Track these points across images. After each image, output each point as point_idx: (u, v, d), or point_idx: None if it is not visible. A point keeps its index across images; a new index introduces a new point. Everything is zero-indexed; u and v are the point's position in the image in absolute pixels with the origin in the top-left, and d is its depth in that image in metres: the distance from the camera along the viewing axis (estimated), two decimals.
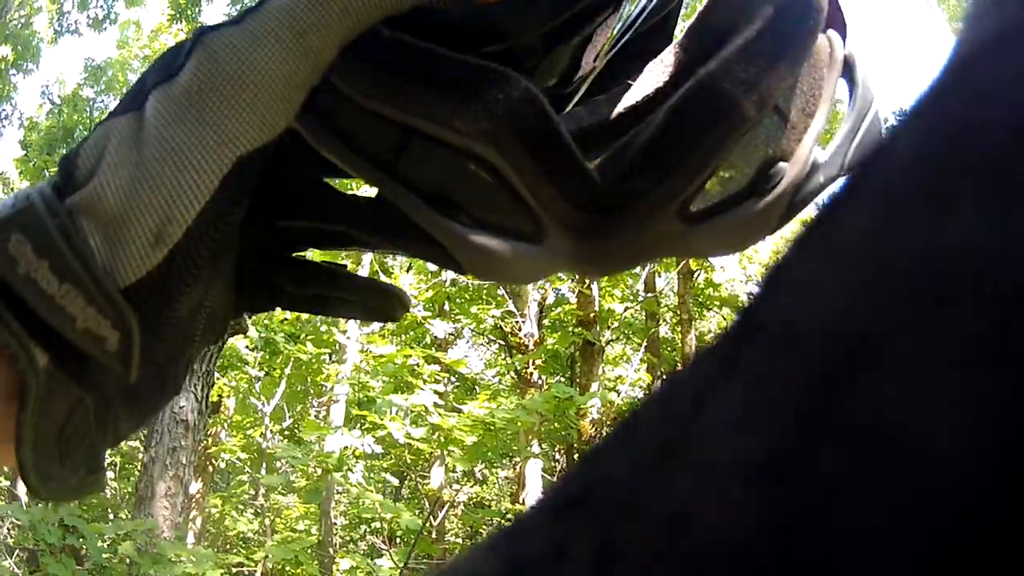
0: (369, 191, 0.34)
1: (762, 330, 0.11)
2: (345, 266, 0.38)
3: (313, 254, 0.37)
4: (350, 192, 0.36)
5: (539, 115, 0.29)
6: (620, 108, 0.34)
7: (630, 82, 0.35)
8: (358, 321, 7.62)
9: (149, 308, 0.29)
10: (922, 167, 0.11)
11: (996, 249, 0.09)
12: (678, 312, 9.59)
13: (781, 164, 0.32)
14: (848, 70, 0.34)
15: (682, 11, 0.38)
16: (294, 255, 0.37)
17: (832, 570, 0.08)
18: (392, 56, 0.29)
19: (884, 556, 0.07)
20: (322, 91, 0.30)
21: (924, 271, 0.09)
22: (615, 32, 0.35)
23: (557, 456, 10.08)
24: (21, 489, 9.65)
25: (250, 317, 5.96)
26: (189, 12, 9.09)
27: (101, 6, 10.83)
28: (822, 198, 0.33)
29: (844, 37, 0.33)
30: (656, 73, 0.34)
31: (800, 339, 0.10)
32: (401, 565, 5.81)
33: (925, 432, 0.08)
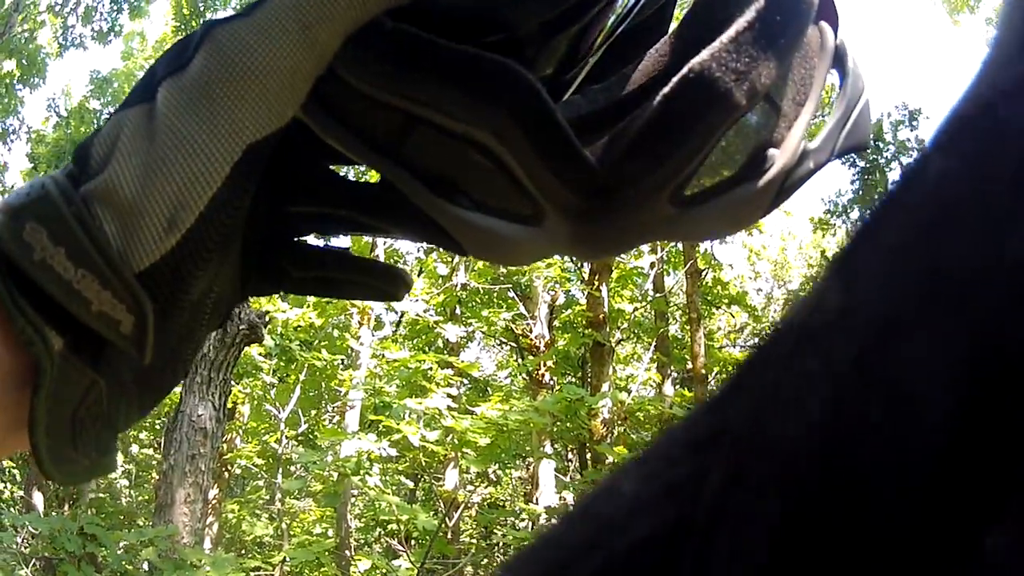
0: (374, 176, 0.36)
1: (822, 313, 0.15)
2: (348, 249, 0.40)
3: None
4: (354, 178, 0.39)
5: (538, 103, 0.30)
6: (616, 97, 0.35)
7: (626, 72, 0.36)
8: (370, 326, 7.66)
9: (162, 292, 0.30)
10: (941, 198, 0.14)
11: (982, 270, 0.13)
12: (687, 311, 9.60)
13: (772, 151, 0.33)
14: (839, 61, 0.36)
15: (678, 3, 0.39)
16: (298, 240, 0.38)
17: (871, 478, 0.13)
18: (395, 46, 0.30)
19: (898, 456, 0.13)
20: (327, 80, 0.31)
21: (926, 281, 0.14)
22: (611, 22, 0.37)
23: (570, 456, 10.09)
24: (37, 499, 9.70)
25: (261, 326, 5.94)
26: (193, 23, 9.14)
27: (105, 19, 10.87)
28: (813, 182, 0.35)
29: (835, 29, 0.35)
30: (651, 63, 0.35)
31: (851, 318, 0.14)
32: (418, 565, 5.85)
33: (920, 389, 0.13)
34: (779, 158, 0.33)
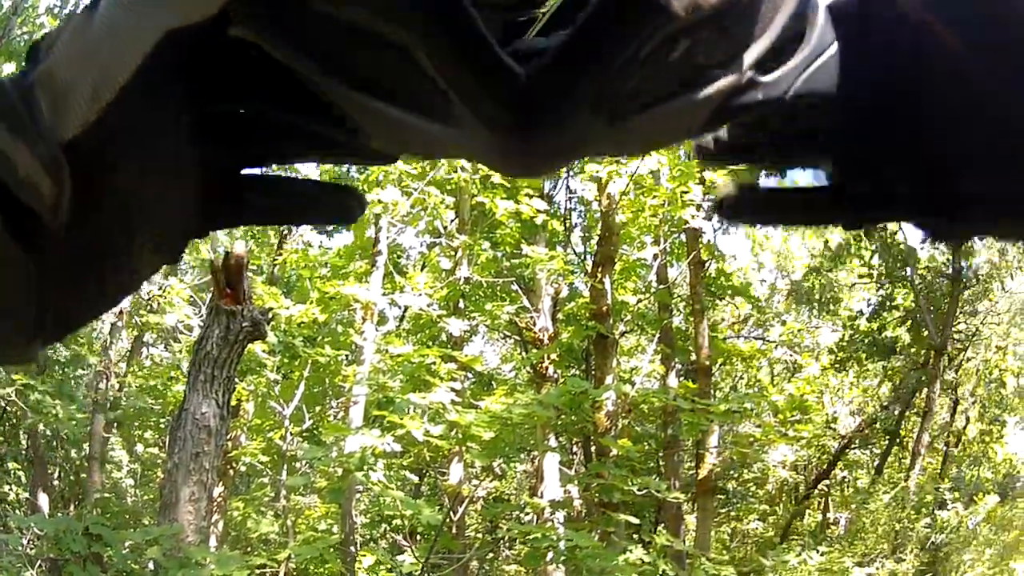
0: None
1: None
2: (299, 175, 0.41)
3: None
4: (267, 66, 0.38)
5: (456, 5, 0.29)
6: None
7: None
8: (373, 321, 7.64)
9: (84, 162, 0.32)
10: None
11: None
12: (690, 302, 9.58)
13: (716, 71, 0.33)
14: (806, 16, 0.36)
15: None
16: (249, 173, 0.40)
17: None
18: None
19: None
20: None
21: None
22: None
23: (574, 449, 10.09)
24: (43, 500, 9.73)
25: (264, 323, 5.91)
26: None
27: None
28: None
29: None
30: None
31: None
32: (423, 560, 5.86)
33: None
34: (723, 78, 0.33)
